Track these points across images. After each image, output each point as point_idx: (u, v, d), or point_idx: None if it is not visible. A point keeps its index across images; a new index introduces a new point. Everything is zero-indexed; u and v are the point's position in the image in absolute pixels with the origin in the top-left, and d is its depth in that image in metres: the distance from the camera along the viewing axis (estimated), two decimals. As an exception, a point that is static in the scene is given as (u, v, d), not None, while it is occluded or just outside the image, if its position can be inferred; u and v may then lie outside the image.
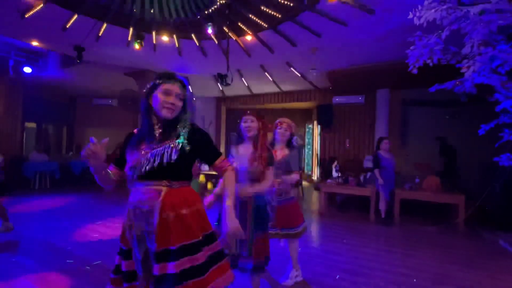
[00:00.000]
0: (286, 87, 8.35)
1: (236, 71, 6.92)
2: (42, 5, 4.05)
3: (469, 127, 3.52)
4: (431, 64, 3.08)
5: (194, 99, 9.81)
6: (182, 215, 1.16)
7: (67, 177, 7.82)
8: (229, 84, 5.47)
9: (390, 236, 4.17)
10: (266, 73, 7.09)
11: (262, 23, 4.63)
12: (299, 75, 7.08)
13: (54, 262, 2.87)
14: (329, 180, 5.81)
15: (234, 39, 5.20)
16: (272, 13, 4.30)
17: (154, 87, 1.24)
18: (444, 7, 2.70)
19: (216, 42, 5.36)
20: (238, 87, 8.27)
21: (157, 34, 5.20)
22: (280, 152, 2.43)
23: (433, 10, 2.77)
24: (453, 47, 2.99)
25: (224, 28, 4.77)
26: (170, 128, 1.23)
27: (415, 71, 3.20)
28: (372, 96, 7.24)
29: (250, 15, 4.44)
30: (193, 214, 1.19)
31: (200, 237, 1.17)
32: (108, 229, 4.05)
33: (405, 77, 4.41)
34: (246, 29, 4.88)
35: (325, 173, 6.75)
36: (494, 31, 2.69)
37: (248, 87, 8.47)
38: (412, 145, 6.70)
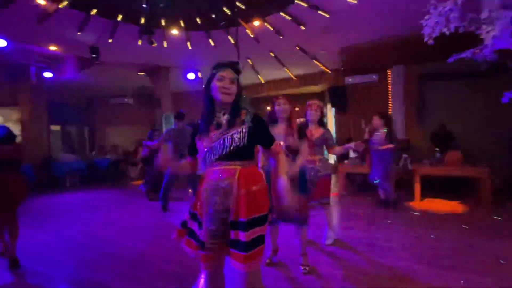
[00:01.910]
0: (296, 72, 8.27)
1: (246, 59, 6.92)
2: (56, 8, 4.21)
3: (492, 98, 3.39)
4: (447, 33, 2.98)
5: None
6: (253, 192, 1.32)
7: (93, 174, 8.26)
8: (241, 72, 5.50)
9: (412, 212, 4.16)
10: (275, 59, 7.04)
11: (270, 6, 4.59)
12: (310, 58, 6.99)
13: (94, 247, 3.13)
14: (346, 161, 5.82)
15: (242, 26, 5.20)
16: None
17: (212, 77, 1.38)
18: (459, -29, 2.59)
19: (225, 31, 5.38)
20: (248, 76, 8.28)
21: (166, 28, 5.29)
22: (315, 131, 2.66)
23: (447, -24, 2.67)
24: (471, 14, 2.87)
25: (231, 14, 4.77)
26: (235, 113, 1.37)
27: (431, 42, 3.11)
28: (386, 73, 7.05)
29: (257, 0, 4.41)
30: (260, 190, 1.36)
31: (267, 212, 1.35)
32: (136, 218, 4.31)
33: (421, 51, 4.28)
34: (253, 14, 4.86)
35: (342, 155, 6.72)
36: (515, -9, 2.56)
37: (259, 74, 8.46)
38: (430, 121, 6.51)
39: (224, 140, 1.33)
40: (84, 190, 7.11)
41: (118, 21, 4.82)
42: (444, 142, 5.90)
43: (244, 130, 1.33)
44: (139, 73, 7.77)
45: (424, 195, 4.78)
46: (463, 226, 3.42)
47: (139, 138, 9.77)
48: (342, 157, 6.49)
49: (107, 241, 3.34)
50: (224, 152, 1.33)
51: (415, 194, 4.79)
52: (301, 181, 2.21)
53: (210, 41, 5.86)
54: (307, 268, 2.35)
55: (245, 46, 5.88)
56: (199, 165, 1.50)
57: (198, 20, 5.09)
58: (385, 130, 4.22)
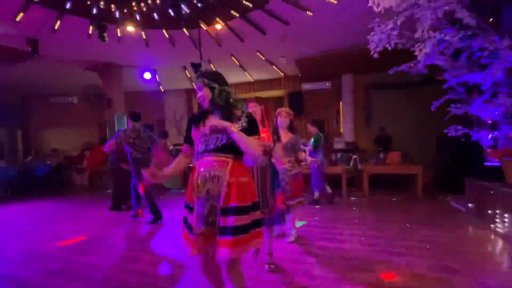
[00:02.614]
0: (257, 76, 8.47)
1: (207, 61, 6.86)
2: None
3: (425, 105, 3.92)
4: (390, 48, 3.41)
5: (163, 90, 9.52)
6: (241, 182, 1.45)
7: (29, 183, 7.24)
8: (207, 74, 5.44)
9: (362, 206, 4.60)
10: (237, 62, 7.13)
11: (232, 12, 4.66)
12: (269, 64, 7.23)
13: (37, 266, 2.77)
14: (302, 163, 6.14)
15: (204, 28, 5.17)
16: (241, 1, 4.35)
17: None
18: (398, -5, 3.00)
19: (186, 32, 5.28)
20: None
21: (121, 24, 4.98)
22: (285, 136, 2.84)
23: (389, -2, 3.06)
24: (408, 32, 3.33)
25: (194, 17, 4.72)
26: (227, 112, 1.49)
27: (376, 55, 3.51)
28: (338, 82, 7.67)
29: (219, 4, 4.44)
30: (248, 183, 1.49)
31: (250, 203, 1.46)
32: (86, 230, 3.93)
33: (367, 62, 4.77)
34: (216, 18, 4.88)
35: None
36: (441, 16, 3.06)
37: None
38: (376, 125, 7.28)
39: (221, 134, 1.45)
40: (18, 201, 6.20)
41: (63, 11, 4.38)
42: (385, 144, 6.65)
43: (239, 128, 1.45)
44: (87, 70, 7.11)
45: (372, 190, 5.33)
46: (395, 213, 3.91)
47: (86, 141, 8.92)
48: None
49: (51, 257, 2.97)
50: (219, 145, 1.45)
51: (363, 189, 5.31)
52: (273, 179, 2.32)
53: (169, 40, 5.67)
54: (272, 266, 2.43)
55: (206, 48, 5.84)
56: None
57: (157, 18, 4.90)
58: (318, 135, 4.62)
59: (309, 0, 4.24)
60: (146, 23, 5.05)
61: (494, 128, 3.33)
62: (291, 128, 2.94)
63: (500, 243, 2.87)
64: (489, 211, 3.34)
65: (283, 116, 2.90)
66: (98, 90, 7.82)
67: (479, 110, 3.34)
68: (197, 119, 1.56)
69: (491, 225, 3.24)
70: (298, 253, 2.80)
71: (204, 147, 1.48)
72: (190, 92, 9.92)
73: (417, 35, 3.12)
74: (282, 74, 8.11)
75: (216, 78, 1.53)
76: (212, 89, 1.49)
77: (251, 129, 1.48)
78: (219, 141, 1.45)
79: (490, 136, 3.31)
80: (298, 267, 2.49)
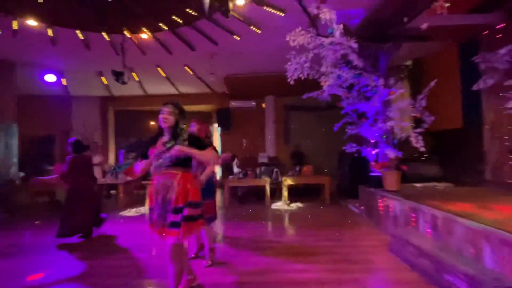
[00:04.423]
0: (184, 90, 8.37)
1: (129, 69, 6.42)
2: None
3: (330, 126, 4.70)
4: (303, 78, 4.05)
5: (71, 96, 8.33)
6: (187, 188, 2.01)
7: None
8: (126, 83, 5.10)
9: (281, 214, 5.06)
10: (163, 74, 6.93)
11: (160, 24, 4.61)
12: (198, 79, 7.31)
13: None
14: (230, 176, 6.34)
15: (127, 35, 4.90)
16: (171, 16, 4.38)
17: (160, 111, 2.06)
18: (309, 35, 3.65)
19: (106, 36, 4.88)
20: (130, 86, 7.63)
21: (19, 16, 4.24)
22: None
23: (302, 36, 3.68)
24: (316, 66, 4.05)
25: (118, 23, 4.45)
26: (176, 135, 2.04)
27: (292, 82, 4.11)
28: (262, 101, 8.36)
29: (147, 14, 4.34)
30: (192, 188, 2.04)
31: (195, 200, 2.03)
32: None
33: (286, 87, 5.45)
34: (142, 28, 4.72)
35: (227, 170, 7.26)
36: (339, 57, 3.86)
37: (142, 87, 7.97)
38: (293, 141, 8.22)
39: (172, 154, 1.97)
40: None
41: None
42: (299, 158, 7.58)
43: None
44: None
45: (290, 199, 5.95)
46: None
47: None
48: (226, 173, 7.02)
49: None
50: (170, 162, 1.98)
51: (283, 198, 5.88)
52: (210, 186, 2.68)
53: (83, 41, 5.10)
54: (210, 262, 2.76)
55: (129, 55, 5.50)
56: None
57: (69, 16, 4.38)
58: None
59: (236, 25, 4.61)
60: (55, 19, 4.45)
61: (376, 146, 4.31)
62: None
63: (382, 237, 3.65)
64: (374, 212, 4.23)
65: (197, 128, 3.32)
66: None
67: (366, 132, 4.29)
68: (153, 141, 2.08)
69: (376, 223, 4.10)
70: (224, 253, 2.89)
71: (158, 164, 1.99)
72: (106, 100, 8.95)
73: (322, 69, 3.83)
74: (211, 90, 8.28)
75: (180, 109, 2.07)
76: (175, 117, 2.03)
77: (195, 145, 2.04)
78: (171, 159, 1.97)
79: (373, 152, 4.26)
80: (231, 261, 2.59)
